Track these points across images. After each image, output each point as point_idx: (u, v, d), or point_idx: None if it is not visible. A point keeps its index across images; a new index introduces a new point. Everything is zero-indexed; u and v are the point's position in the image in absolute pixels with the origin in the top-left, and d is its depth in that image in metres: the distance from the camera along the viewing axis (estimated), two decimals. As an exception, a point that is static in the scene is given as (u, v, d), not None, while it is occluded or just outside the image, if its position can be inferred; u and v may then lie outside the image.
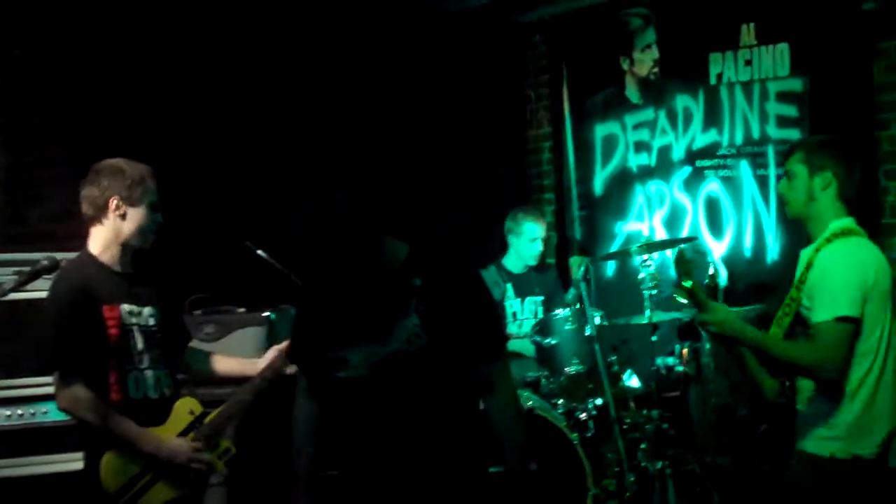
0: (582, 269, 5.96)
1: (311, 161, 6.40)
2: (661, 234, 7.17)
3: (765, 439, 5.59)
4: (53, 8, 5.82)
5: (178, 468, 3.94)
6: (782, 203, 3.95)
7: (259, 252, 5.13)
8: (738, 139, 6.68)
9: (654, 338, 5.96)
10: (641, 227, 7.35)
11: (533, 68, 8.02)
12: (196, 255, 5.83)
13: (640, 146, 7.36)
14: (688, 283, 3.60)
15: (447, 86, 7.32)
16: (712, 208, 6.89)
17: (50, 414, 4.73)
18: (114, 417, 3.83)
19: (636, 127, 7.39)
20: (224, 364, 4.38)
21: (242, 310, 5.71)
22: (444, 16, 7.30)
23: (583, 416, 5.77)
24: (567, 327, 5.94)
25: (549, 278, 6.74)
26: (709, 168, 6.89)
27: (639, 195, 7.39)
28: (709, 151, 6.88)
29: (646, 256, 5.88)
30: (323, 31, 6.78)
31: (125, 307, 3.95)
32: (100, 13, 5.92)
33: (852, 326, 3.57)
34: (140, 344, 3.96)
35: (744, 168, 6.67)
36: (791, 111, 6.35)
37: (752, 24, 6.49)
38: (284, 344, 4.23)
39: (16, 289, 3.83)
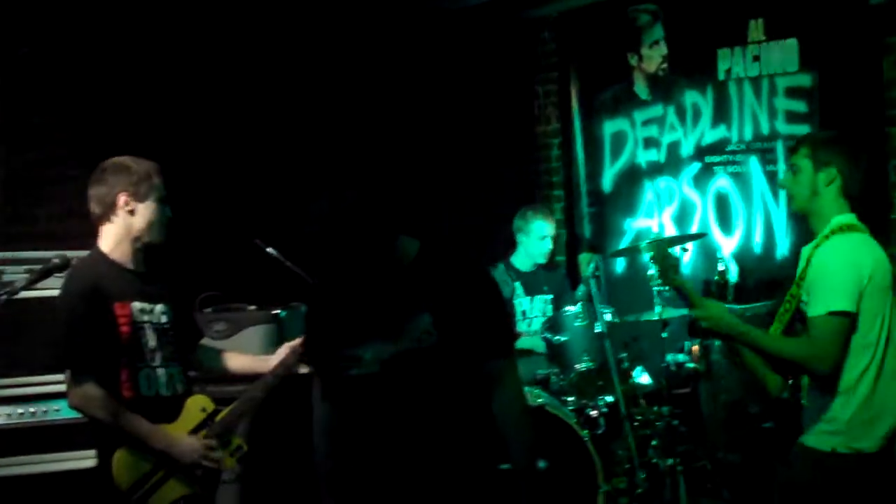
0: (591, 266, 5.95)
1: (322, 159, 6.41)
2: (670, 231, 7.17)
3: (775, 436, 5.59)
4: (56, 7, 5.83)
5: (189, 465, 3.95)
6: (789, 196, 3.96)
7: (269, 250, 5.13)
8: (748, 135, 6.68)
9: (664, 334, 5.97)
10: (651, 224, 7.35)
11: (542, 64, 8.01)
12: (207, 253, 5.84)
13: (649, 142, 7.36)
14: (676, 280, 3.61)
15: (456, 82, 7.33)
16: (722, 204, 6.88)
17: (62, 412, 4.74)
18: (125, 415, 3.83)
19: (645, 123, 7.39)
20: (236, 361, 4.38)
21: (253, 307, 5.71)
22: (453, 12, 7.30)
23: (593, 412, 5.78)
24: (577, 324, 5.93)
25: (558, 277, 6.73)
26: (718, 164, 6.89)
27: (648, 191, 7.39)
28: (718, 147, 6.88)
29: (656, 253, 5.88)
30: (333, 28, 6.78)
31: (137, 305, 3.95)
32: (105, 11, 5.92)
33: (847, 321, 3.58)
34: (152, 341, 3.97)
35: (753, 164, 6.66)
36: (800, 107, 6.34)
37: (760, 20, 6.48)
38: (296, 341, 4.25)
39: (27, 287, 3.86)
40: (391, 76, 6.97)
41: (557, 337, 6.00)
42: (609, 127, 7.64)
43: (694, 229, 7.00)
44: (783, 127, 6.46)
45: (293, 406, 4.45)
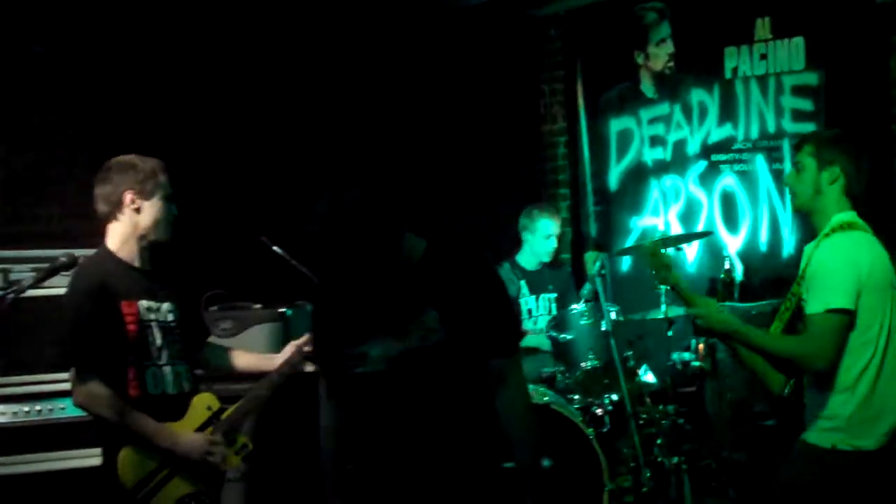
0: (597, 264, 5.95)
1: (327, 157, 6.41)
2: (676, 229, 7.16)
3: (780, 434, 5.59)
4: (56, 7, 5.83)
5: (194, 463, 3.95)
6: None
7: (275, 248, 5.14)
8: (754, 133, 6.67)
9: (669, 333, 5.96)
10: (657, 222, 7.34)
11: (547, 63, 8.00)
12: (213, 251, 5.85)
13: (656, 141, 7.35)
14: (670, 279, 3.61)
15: (462, 81, 7.32)
16: (728, 203, 6.88)
17: (67, 410, 4.75)
18: (130, 413, 3.83)
19: (651, 121, 7.38)
20: (242, 359, 4.39)
21: (258, 306, 5.71)
22: (459, 11, 7.30)
23: (599, 411, 5.78)
24: (583, 322, 5.94)
25: (563, 275, 6.73)
26: (724, 162, 6.88)
27: (654, 190, 7.38)
28: (724, 146, 6.88)
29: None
30: (338, 27, 6.78)
31: (143, 303, 3.95)
32: (106, 10, 5.92)
33: (845, 318, 3.59)
34: (158, 340, 3.97)
35: (759, 162, 6.66)
36: (806, 105, 6.34)
37: (767, 18, 6.48)
38: (302, 339, 4.25)
39: (34, 285, 3.85)
40: (397, 75, 6.96)
41: (563, 335, 6.00)
42: (615, 125, 7.63)
43: (700, 228, 7.00)
44: (789, 125, 6.45)
45: (299, 404, 4.45)
